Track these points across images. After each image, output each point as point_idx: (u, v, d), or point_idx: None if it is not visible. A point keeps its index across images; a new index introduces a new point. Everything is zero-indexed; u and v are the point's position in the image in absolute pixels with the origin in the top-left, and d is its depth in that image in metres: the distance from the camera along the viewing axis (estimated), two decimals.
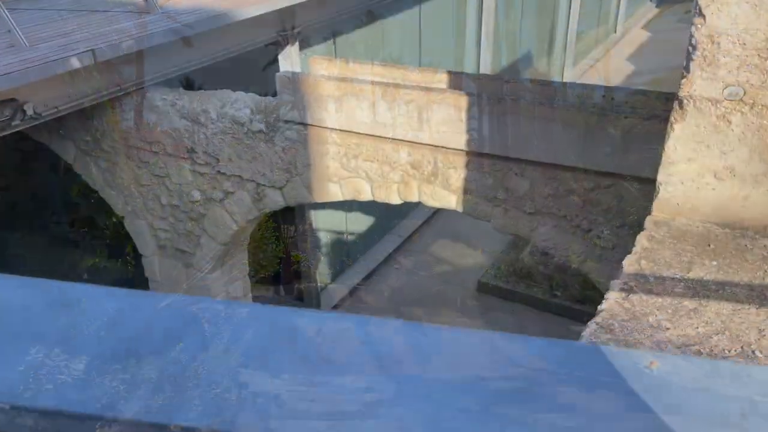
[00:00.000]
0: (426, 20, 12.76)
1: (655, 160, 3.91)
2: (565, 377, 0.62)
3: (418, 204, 6.86)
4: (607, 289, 3.35)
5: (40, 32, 7.27)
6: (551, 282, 11.45)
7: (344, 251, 12.35)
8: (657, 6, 30.03)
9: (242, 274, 9.36)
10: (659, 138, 3.93)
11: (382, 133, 6.42)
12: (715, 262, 3.42)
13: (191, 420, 0.58)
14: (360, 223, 12.48)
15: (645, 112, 5.43)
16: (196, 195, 8.04)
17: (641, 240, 3.67)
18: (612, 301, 3.14)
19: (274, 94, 6.98)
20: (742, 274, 3.31)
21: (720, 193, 3.70)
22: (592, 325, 2.99)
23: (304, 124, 6.82)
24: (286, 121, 6.91)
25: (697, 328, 2.94)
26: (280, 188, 7.35)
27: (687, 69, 3.53)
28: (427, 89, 6.15)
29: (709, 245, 3.57)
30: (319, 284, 11.59)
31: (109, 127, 8.12)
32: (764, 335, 2.87)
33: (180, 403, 0.61)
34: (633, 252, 3.55)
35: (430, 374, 0.62)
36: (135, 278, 10.80)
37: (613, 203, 5.74)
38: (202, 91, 7.79)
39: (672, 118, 3.68)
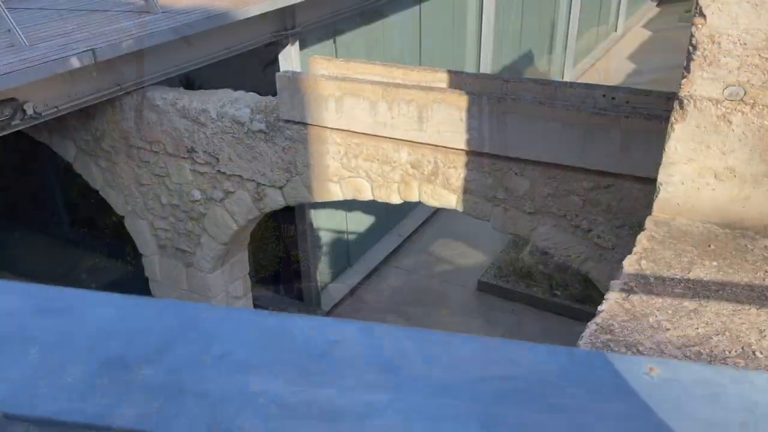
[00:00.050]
0: (426, 19, 12.75)
1: (655, 160, 3.91)
2: (564, 384, 0.61)
3: (419, 203, 6.86)
4: (607, 290, 3.34)
5: (40, 32, 7.27)
6: (551, 281, 11.45)
7: (344, 251, 12.34)
8: (658, 5, 30.01)
9: (242, 274, 9.36)
10: (660, 138, 3.93)
11: (383, 132, 6.41)
12: (715, 263, 3.41)
13: (185, 429, 0.57)
14: (360, 222, 12.47)
15: (646, 112, 5.42)
16: (197, 194, 8.04)
17: (641, 240, 3.66)
18: (612, 301, 3.14)
19: (275, 94, 6.97)
20: (743, 275, 3.30)
21: (720, 194, 3.69)
22: (592, 326, 2.98)
23: (305, 124, 6.82)
24: (287, 121, 6.90)
25: (698, 328, 2.93)
26: (281, 188, 7.34)
27: (687, 69, 3.52)
28: (428, 89, 6.14)
29: (710, 246, 3.56)
30: (319, 284, 11.59)
31: (109, 126, 8.12)
32: (765, 336, 2.87)
33: (174, 412, 0.60)
34: (633, 252, 3.55)
35: (427, 381, 0.61)
36: (135, 278, 10.80)
37: (613, 203, 5.74)
38: (202, 90, 7.78)
39: (672, 118, 3.68)
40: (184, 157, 7.83)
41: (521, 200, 6.14)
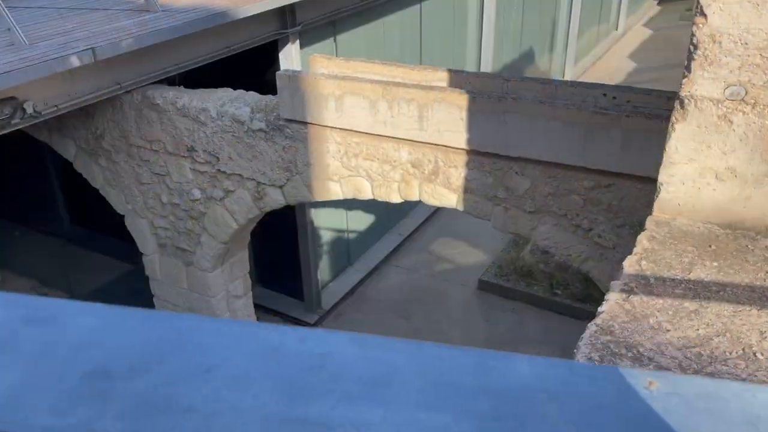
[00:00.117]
0: (427, 18, 12.73)
1: (656, 160, 3.90)
2: (561, 398, 0.60)
3: (419, 203, 6.85)
4: (608, 290, 3.33)
5: (39, 30, 7.26)
6: (552, 280, 11.44)
7: (345, 249, 12.34)
8: (659, 3, 29.99)
9: (243, 273, 9.35)
10: (661, 137, 3.92)
11: (383, 131, 6.40)
12: (716, 263, 3.40)
13: None
14: (360, 221, 12.47)
15: (646, 111, 5.41)
16: (197, 193, 8.03)
17: (642, 240, 3.65)
18: (612, 302, 3.13)
19: (275, 93, 6.96)
20: (743, 276, 3.29)
21: (721, 194, 3.68)
22: (592, 327, 2.97)
23: (305, 123, 6.81)
24: (287, 120, 6.89)
25: (698, 329, 2.92)
26: (281, 187, 7.33)
27: (688, 68, 3.51)
28: (428, 88, 6.13)
29: (710, 246, 3.55)
30: (319, 283, 11.58)
31: (110, 125, 8.11)
32: (765, 337, 2.85)
33: (159, 427, 0.59)
34: (633, 253, 3.54)
35: (420, 395, 0.60)
36: (135, 277, 10.80)
37: (613, 202, 5.72)
38: (202, 89, 7.77)
39: (673, 118, 3.67)
40: (184, 156, 7.82)
41: (522, 199, 6.13)
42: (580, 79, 17.91)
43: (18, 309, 0.68)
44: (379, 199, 6.90)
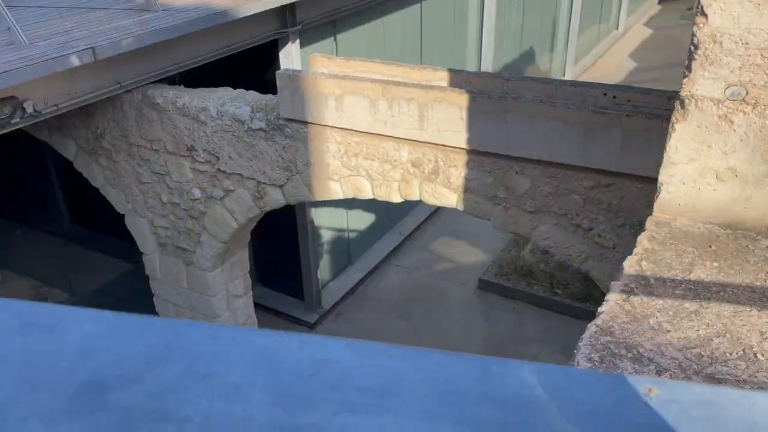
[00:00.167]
0: (427, 18, 12.72)
1: (656, 159, 3.89)
2: (562, 405, 0.60)
3: (419, 202, 6.85)
4: (608, 290, 3.33)
5: (39, 30, 7.26)
6: (552, 280, 11.44)
7: (345, 249, 12.34)
8: (659, 3, 29.97)
9: (243, 272, 9.35)
10: (661, 137, 3.91)
11: (383, 131, 6.40)
12: (716, 264, 3.40)
13: None
14: (361, 220, 12.47)
15: (647, 111, 5.40)
16: (197, 193, 8.03)
17: (642, 241, 3.65)
18: (612, 302, 3.13)
19: (275, 92, 6.96)
20: (744, 276, 3.29)
21: (722, 194, 3.68)
22: (592, 328, 2.97)
23: (305, 122, 6.80)
24: (287, 119, 6.89)
25: (698, 330, 2.92)
26: (281, 186, 7.33)
27: (689, 68, 3.50)
28: (428, 87, 6.13)
29: (711, 246, 3.55)
30: (320, 282, 11.58)
31: (110, 124, 8.11)
32: (766, 338, 2.85)
33: None
34: (634, 253, 3.53)
35: (420, 404, 0.60)
36: (135, 276, 10.80)
37: (614, 202, 5.72)
38: (203, 88, 7.77)
39: (673, 118, 3.66)
40: (184, 156, 7.82)
41: (522, 199, 6.12)
42: (580, 79, 17.92)
43: (10, 316, 0.67)
44: (380, 199, 6.89)
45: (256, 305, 10.09)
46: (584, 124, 5.52)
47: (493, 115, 5.84)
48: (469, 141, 6.04)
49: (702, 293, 3.16)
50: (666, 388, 0.62)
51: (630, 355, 2.77)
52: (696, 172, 3.70)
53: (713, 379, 2.61)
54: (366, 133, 6.52)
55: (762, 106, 3.40)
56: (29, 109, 6.42)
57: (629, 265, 3.41)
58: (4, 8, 6.56)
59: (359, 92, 6.33)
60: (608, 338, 2.87)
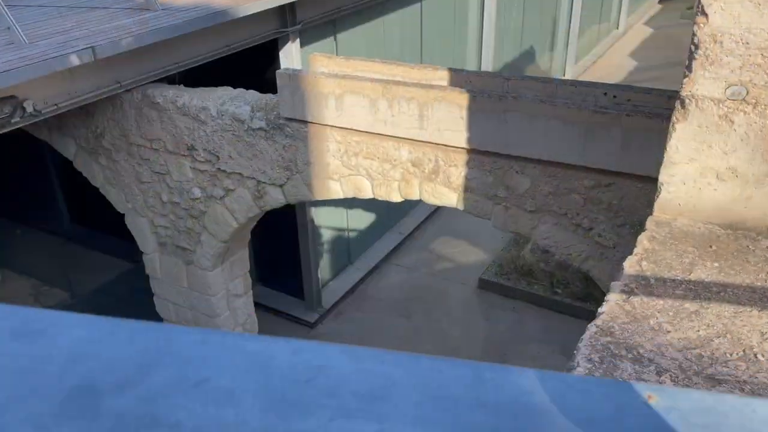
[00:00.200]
0: (427, 17, 12.71)
1: (656, 159, 3.88)
2: (559, 412, 0.59)
3: (419, 202, 6.84)
4: (608, 290, 3.32)
5: (39, 29, 7.25)
6: (552, 279, 11.43)
7: (345, 248, 12.33)
8: (660, 2, 29.96)
9: (243, 272, 9.34)
10: (661, 136, 3.90)
11: (383, 130, 6.39)
12: (716, 264, 3.39)
13: None
14: (361, 220, 12.46)
15: (647, 110, 5.39)
16: (197, 192, 8.03)
17: (642, 241, 3.64)
18: (612, 303, 3.12)
19: (275, 91, 6.95)
20: (744, 276, 3.28)
21: (722, 194, 3.67)
22: (592, 328, 2.96)
23: (305, 122, 6.80)
24: (287, 119, 6.88)
25: (699, 330, 2.91)
26: (281, 186, 7.32)
27: (689, 68, 3.49)
28: (428, 86, 6.12)
29: (711, 246, 3.54)
30: (320, 281, 11.58)
31: (110, 124, 8.10)
32: (766, 338, 2.84)
33: None
34: (634, 253, 3.52)
35: (415, 410, 0.59)
36: (135, 276, 10.80)
37: (614, 201, 5.71)
38: (202, 88, 7.76)
39: (674, 118, 3.65)
40: (184, 155, 7.81)
41: (522, 198, 6.11)
42: (580, 78, 17.90)
43: (4, 321, 0.66)
44: (380, 198, 6.89)
45: (257, 305, 10.08)
46: (584, 123, 5.51)
47: (493, 114, 5.83)
48: (470, 140, 6.03)
49: (702, 293, 3.16)
50: (666, 394, 0.61)
51: (630, 355, 2.76)
52: (696, 172, 3.69)
53: (713, 380, 2.60)
54: (366, 132, 6.51)
55: (762, 106, 3.39)
56: (29, 109, 6.42)
57: (629, 265, 3.41)
58: (4, 8, 6.55)
59: (359, 91, 6.32)
60: (608, 339, 2.87)
